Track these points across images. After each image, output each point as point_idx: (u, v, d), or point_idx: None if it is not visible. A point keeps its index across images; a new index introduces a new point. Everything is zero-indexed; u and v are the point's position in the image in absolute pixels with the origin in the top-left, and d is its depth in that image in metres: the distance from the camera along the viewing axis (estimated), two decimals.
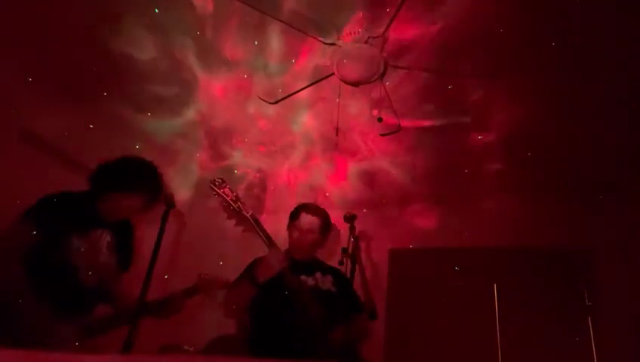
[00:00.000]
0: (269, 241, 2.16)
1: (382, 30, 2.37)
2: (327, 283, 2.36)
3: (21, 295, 1.78)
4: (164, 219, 1.99)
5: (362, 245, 3.01)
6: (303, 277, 2.30)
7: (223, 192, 2.15)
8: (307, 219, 2.45)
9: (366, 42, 2.45)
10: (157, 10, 2.46)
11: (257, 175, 3.89)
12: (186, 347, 2.79)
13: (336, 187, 3.93)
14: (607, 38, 2.27)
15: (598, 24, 2.21)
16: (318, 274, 2.37)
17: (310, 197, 4.09)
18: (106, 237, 2.12)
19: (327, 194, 3.97)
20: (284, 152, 3.62)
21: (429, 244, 3.91)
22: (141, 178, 2.14)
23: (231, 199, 2.15)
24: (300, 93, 2.82)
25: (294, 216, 2.51)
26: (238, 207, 2.15)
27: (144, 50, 2.71)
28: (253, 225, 2.14)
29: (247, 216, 2.15)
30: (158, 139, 3.52)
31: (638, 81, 2.46)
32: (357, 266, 2.75)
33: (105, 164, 2.19)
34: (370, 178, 3.80)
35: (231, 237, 4.08)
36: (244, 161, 3.76)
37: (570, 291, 3.63)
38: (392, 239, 4.00)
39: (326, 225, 2.51)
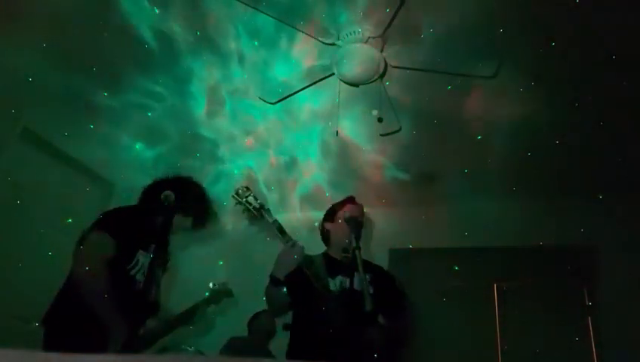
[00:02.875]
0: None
1: (382, 30, 2.37)
2: (364, 283, 2.32)
3: (107, 305, 1.81)
4: (166, 223, 1.98)
5: (362, 245, 2.99)
6: (338, 277, 2.27)
7: (246, 201, 2.13)
8: (354, 207, 2.43)
9: (366, 42, 2.45)
10: (157, 11, 2.46)
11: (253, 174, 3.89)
12: (185, 347, 2.80)
13: (335, 187, 3.93)
14: (608, 37, 2.27)
15: (598, 23, 2.22)
16: (357, 274, 2.33)
17: (310, 196, 4.10)
18: (160, 253, 2.14)
19: (327, 194, 3.97)
20: (283, 152, 3.62)
21: (429, 244, 3.91)
22: (198, 201, 2.21)
23: (254, 208, 2.13)
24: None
25: (335, 211, 2.46)
26: (261, 215, 2.12)
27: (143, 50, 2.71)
28: (276, 232, 2.11)
29: (270, 222, 2.11)
30: (158, 139, 3.53)
31: (638, 80, 2.46)
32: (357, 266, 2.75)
33: (163, 183, 2.21)
34: (370, 178, 3.80)
35: (230, 237, 4.12)
36: (243, 160, 3.76)
37: (570, 291, 3.63)
38: (392, 239, 3.99)
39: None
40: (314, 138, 3.43)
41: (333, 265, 2.29)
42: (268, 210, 2.13)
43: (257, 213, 2.11)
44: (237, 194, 2.13)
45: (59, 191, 3.30)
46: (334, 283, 2.22)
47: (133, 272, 2.00)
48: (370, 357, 2.03)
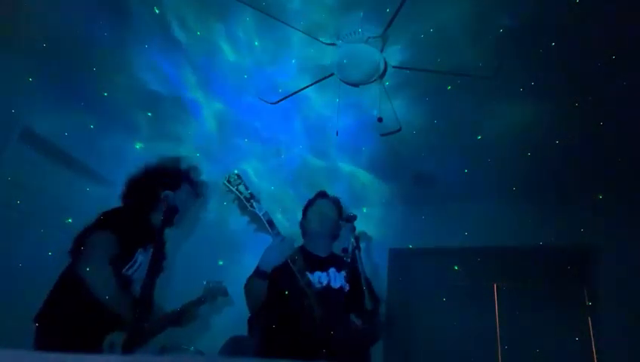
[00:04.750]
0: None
1: (382, 30, 2.37)
2: (339, 279, 2.33)
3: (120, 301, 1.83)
4: (165, 222, 1.98)
5: (362, 245, 3.00)
6: (317, 273, 2.27)
7: (237, 189, 2.10)
8: (323, 202, 2.45)
9: (366, 42, 2.45)
10: (157, 11, 2.46)
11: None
12: (185, 347, 2.80)
13: (336, 187, 3.93)
14: (608, 37, 2.27)
15: (598, 23, 2.22)
16: (332, 270, 2.33)
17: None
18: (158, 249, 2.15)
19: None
20: (282, 154, 3.62)
21: (429, 244, 3.91)
22: (182, 173, 2.20)
23: (244, 197, 2.10)
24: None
25: (308, 206, 2.49)
26: (251, 205, 2.10)
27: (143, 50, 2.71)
28: (265, 225, 2.09)
29: (260, 215, 2.08)
30: (158, 140, 3.52)
31: (637, 81, 2.46)
32: (357, 266, 2.76)
33: (151, 175, 2.21)
34: (370, 178, 3.80)
35: (231, 235, 4.12)
36: (243, 160, 3.76)
37: (570, 291, 3.64)
38: (392, 239, 4.00)
39: (340, 207, 2.49)
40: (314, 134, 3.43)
41: (310, 259, 2.29)
42: (258, 201, 2.10)
43: (247, 203, 2.08)
44: (228, 181, 2.11)
45: (59, 191, 3.30)
46: (314, 279, 2.21)
47: (131, 271, 2.00)
48: (346, 356, 2.04)
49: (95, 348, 1.77)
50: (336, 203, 2.49)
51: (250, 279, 2.14)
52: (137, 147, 3.55)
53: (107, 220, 1.98)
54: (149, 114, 3.25)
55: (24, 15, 2.52)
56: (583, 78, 2.53)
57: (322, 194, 2.52)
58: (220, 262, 3.73)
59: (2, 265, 2.79)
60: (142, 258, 2.05)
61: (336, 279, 2.30)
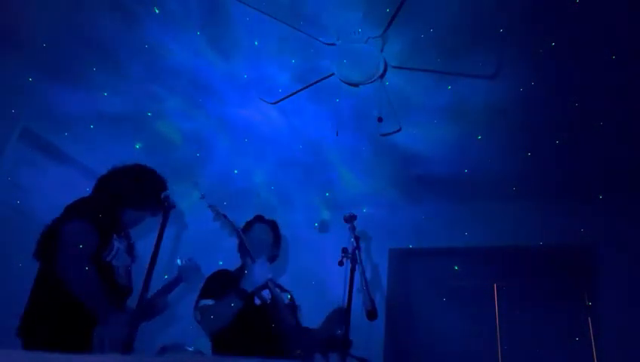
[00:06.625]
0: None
1: (382, 30, 2.37)
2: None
3: (101, 298, 1.80)
4: (165, 222, 1.97)
5: (362, 245, 3.00)
6: (264, 292, 2.30)
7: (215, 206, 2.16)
8: (261, 227, 2.53)
9: (366, 42, 2.45)
10: (157, 11, 2.46)
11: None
12: (185, 347, 2.80)
13: (336, 188, 3.93)
14: (608, 37, 2.27)
15: (598, 23, 2.22)
16: (277, 290, 2.37)
17: (312, 196, 4.10)
18: (127, 240, 2.17)
19: (326, 194, 3.97)
20: (282, 155, 3.62)
21: (429, 244, 3.91)
22: (152, 194, 2.11)
23: (223, 214, 2.16)
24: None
25: (245, 230, 2.52)
26: (230, 222, 2.16)
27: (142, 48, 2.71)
28: (242, 239, 2.17)
29: (237, 230, 2.16)
30: (158, 139, 3.52)
31: (637, 80, 2.46)
32: (357, 266, 2.76)
33: (121, 176, 2.20)
34: (370, 178, 3.80)
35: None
36: (243, 160, 3.76)
37: (570, 291, 3.63)
38: (392, 239, 3.99)
39: (275, 230, 2.57)
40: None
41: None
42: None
43: (225, 218, 2.18)
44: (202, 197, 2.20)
45: (59, 191, 3.30)
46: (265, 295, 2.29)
47: (110, 258, 1.99)
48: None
49: (84, 345, 1.75)
50: (272, 227, 2.56)
51: (227, 301, 2.13)
52: (137, 147, 3.55)
53: (78, 210, 1.94)
54: (149, 114, 3.25)
55: (24, 15, 2.52)
56: (583, 78, 2.53)
57: (259, 218, 2.58)
58: (220, 262, 3.73)
59: (2, 265, 2.79)
60: (118, 244, 2.04)
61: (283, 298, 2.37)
